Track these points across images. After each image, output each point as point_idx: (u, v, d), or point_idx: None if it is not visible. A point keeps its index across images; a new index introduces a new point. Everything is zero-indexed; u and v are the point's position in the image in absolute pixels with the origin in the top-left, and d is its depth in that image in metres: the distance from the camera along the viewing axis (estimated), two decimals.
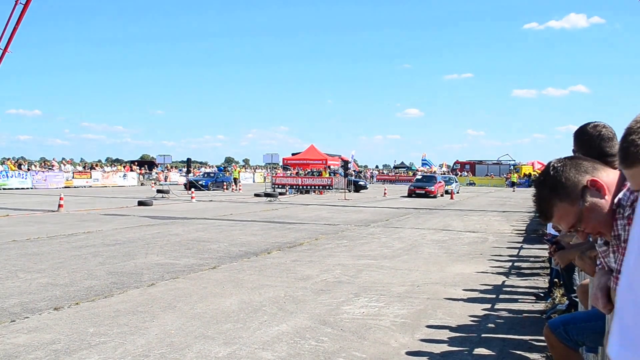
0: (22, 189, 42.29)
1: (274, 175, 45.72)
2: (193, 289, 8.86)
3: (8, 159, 54.20)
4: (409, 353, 5.90)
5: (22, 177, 44.31)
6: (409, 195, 39.85)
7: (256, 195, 36.97)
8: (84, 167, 59.30)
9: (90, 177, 50.68)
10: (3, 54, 40.15)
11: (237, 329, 6.63)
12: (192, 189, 36.52)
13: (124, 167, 65.58)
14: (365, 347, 6.07)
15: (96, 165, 65.61)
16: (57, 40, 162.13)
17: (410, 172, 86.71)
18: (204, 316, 7.20)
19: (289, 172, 52.05)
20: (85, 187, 47.82)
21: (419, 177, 47.67)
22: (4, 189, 41.10)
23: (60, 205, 23.45)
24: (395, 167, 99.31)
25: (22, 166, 49.56)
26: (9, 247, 12.93)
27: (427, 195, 39.18)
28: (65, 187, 44.59)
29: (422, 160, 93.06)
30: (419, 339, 6.42)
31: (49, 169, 51.00)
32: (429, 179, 43.66)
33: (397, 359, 5.74)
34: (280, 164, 50.66)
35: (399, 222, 21.02)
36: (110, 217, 21.08)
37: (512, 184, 57.05)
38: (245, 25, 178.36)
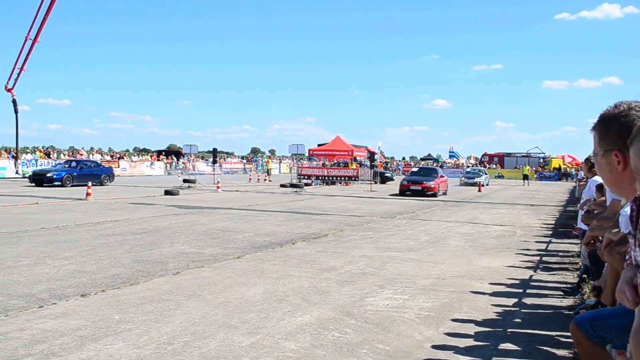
0: None
1: (299, 166, 45.76)
2: (218, 278, 8.92)
3: (38, 148, 54.93)
4: (433, 347, 5.88)
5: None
6: (402, 193, 31.73)
7: (282, 185, 37.06)
8: (112, 157, 59.89)
9: (118, 166, 51.14)
10: (33, 44, 40.69)
11: (261, 318, 6.67)
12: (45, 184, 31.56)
13: (151, 156, 66.16)
14: (388, 339, 6.06)
15: (124, 155, 66.19)
16: (88, 32, 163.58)
17: (437, 164, 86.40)
18: (228, 305, 7.24)
19: (314, 163, 52.09)
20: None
21: (415, 169, 38.82)
22: None
23: (88, 194, 23.75)
24: (422, 159, 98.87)
25: (51, 155, 50.25)
26: (38, 234, 13.11)
27: (424, 192, 30.88)
28: None
29: (450, 152, 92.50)
30: (444, 332, 6.40)
31: (78, 157, 51.51)
32: (428, 172, 35.00)
33: (421, 352, 5.72)
34: (306, 154, 50.64)
35: (425, 214, 20.95)
36: (137, 206, 21.28)
37: (525, 177, 55.59)
38: (273, 23, 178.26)
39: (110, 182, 35.35)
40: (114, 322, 6.37)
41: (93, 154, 55.55)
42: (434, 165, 76.24)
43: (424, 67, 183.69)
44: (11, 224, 14.82)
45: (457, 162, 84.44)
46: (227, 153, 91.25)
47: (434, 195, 30.80)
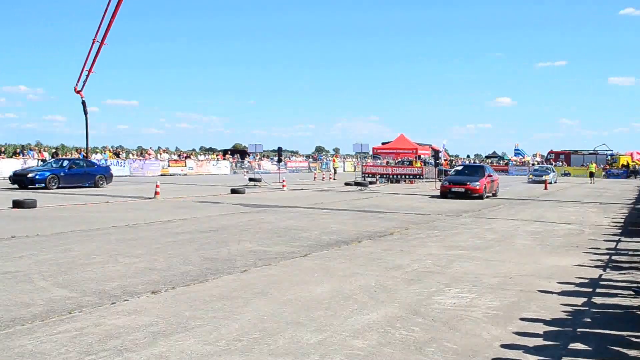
0: (120, 176, 43.91)
1: (364, 164, 45.63)
2: (285, 276, 8.99)
3: (107, 148, 56.36)
4: (502, 346, 5.78)
5: (121, 165, 46.17)
6: (443, 196, 27.85)
7: (346, 184, 37.09)
8: (179, 156, 60.95)
9: (185, 166, 52.12)
10: (100, 46, 41.74)
11: (328, 316, 6.68)
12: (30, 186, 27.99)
13: (217, 155, 67.07)
14: (456, 338, 6.00)
15: (190, 154, 67.32)
16: (154, 33, 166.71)
17: (503, 162, 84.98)
18: (296, 303, 7.29)
19: (378, 161, 51.90)
20: (180, 175, 49.25)
21: (459, 167, 34.02)
22: None
23: (156, 193, 24.23)
24: (487, 157, 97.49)
25: (120, 154, 51.51)
26: (109, 232, 13.47)
27: (468, 194, 27.00)
28: (161, 175, 46.04)
29: (515, 149, 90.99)
30: (512, 331, 6.29)
31: (145, 157, 52.69)
32: (473, 170, 30.45)
33: (489, 351, 5.64)
34: (370, 153, 50.45)
35: (491, 212, 20.65)
36: (205, 204, 21.63)
37: (591, 175, 54.02)
38: (339, 22, 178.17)
39: (107, 183, 31.37)
40: (184, 318, 6.48)
41: (160, 154, 56.67)
42: (500, 163, 74.97)
43: (487, 64, 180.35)
44: (83, 222, 15.26)
45: (523, 160, 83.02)
46: (291, 152, 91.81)
47: (480, 197, 26.94)
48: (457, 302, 7.51)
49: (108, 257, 10.23)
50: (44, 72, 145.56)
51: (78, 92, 43.63)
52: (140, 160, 50.36)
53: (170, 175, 48.05)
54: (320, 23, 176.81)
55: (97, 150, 53.30)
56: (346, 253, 11.24)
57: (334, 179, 46.15)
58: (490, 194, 28.59)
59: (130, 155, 54.07)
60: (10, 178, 29.77)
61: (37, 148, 48.82)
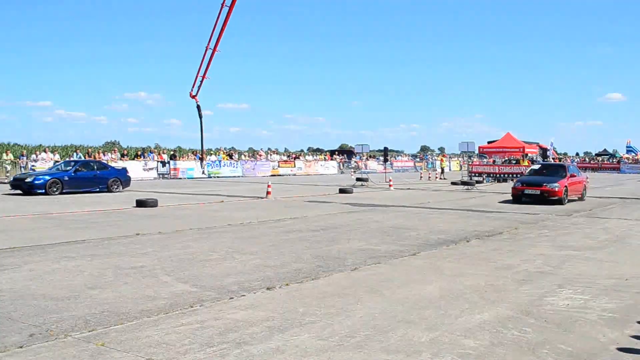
0: (233, 177, 45.16)
1: (470, 163, 44.84)
2: (394, 274, 8.98)
3: (221, 149, 57.98)
4: (619, 349, 5.55)
5: (233, 166, 47.46)
6: (516, 199, 23.46)
7: (453, 183, 36.57)
8: (288, 157, 61.90)
9: (294, 166, 52.85)
10: (213, 53, 43.04)
11: (439, 315, 6.63)
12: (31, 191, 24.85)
13: (325, 156, 67.67)
14: (570, 340, 5.81)
15: (299, 155, 68.22)
16: (264, 37, 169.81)
17: (614, 160, 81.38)
18: (406, 301, 7.27)
19: (485, 160, 50.94)
20: (289, 175, 49.97)
21: (537, 166, 28.16)
22: (217, 177, 44.19)
23: (268, 192, 24.73)
24: (597, 155, 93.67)
25: (233, 156, 52.91)
26: (225, 230, 13.87)
27: (545, 198, 22.45)
28: (272, 175, 46.84)
29: (627, 147, 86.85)
30: (630, 335, 6.02)
31: (257, 158, 53.87)
32: (554, 170, 25.57)
33: (606, 354, 5.43)
34: (476, 152, 49.60)
35: (603, 212, 19.82)
36: (314, 204, 21.90)
37: None
38: (442, 21, 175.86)
39: (122, 187, 27.97)
40: (298, 314, 6.60)
41: (270, 155, 57.72)
42: (611, 160, 71.61)
43: (596, 60, 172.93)
44: (200, 220, 15.80)
45: (636, 157, 79.20)
46: (396, 151, 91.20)
47: (559, 202, 22.40)
48: (570, 304, 7.27)
49: (225, 254, 10.55)
50: (161, 79, 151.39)
51: (193, 96, 45.23)
52: (251, 161, 51.55)
53: (280, 175, 48.82)
54: (425, 23, 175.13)
55: (212, 152, 54.92)
56: (455, 252, 11.11)
57: (442, 179, 45.60)
58: (575, 198, 24.14)
59: (242, 157, 55.41)
60: (10, 183, 27.12)
61: (156, 150, 50.81)
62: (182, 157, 49.02)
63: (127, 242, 11.93)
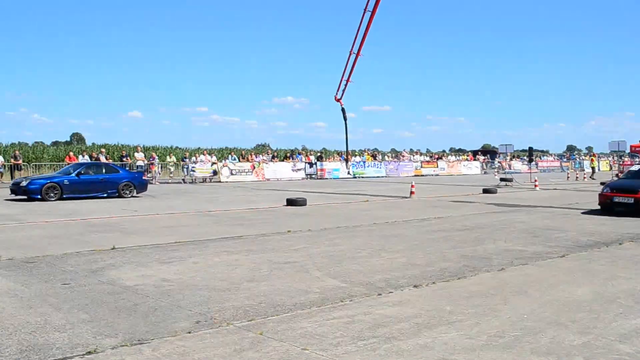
0: (377, 177, 45.47)
1: (621, 163, 42.48)
2: (542, 276, 8.70)
3: (365, 150, 58.47)
4: None
5: (377, 167, 47.80)
6: (605, 209, 18.24)
7: (602, 184, 34.72)
8: (431, 157, 61.38)
9: (437, 166, 52.36)
10: (356, 58, 43.51)
11: (591, 319, 6.36)
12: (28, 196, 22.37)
13: (467, 156, 66.45)
14: None
15: (441, 155, 67.45)
16: (405, 40, 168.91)
17: None
18: (555, 303, 7.03)
19: (637, 159, 47.98)
20: (432, 175, 49.55)
21: (635, 168, 21.66)
22: (362, 177, 44.67)
23: (411, 192, 24.67)
24: None
25: (377, 157, 53.22)
26: (371, 229, 14.01)
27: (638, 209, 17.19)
28: (415, 176, 46.59)
29: None
30: None
31: (400, 159, 53.85)
32: None
33: None
34: (628, 151, 46.86)
35: None
36: (458, 203, 21.60)
37: None
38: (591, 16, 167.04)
39: (135, 192, 25.07)
40: (445, 312, 6.58)
41: (413, 155, 57.47)
42: None
43: None
44: (347, 219, 16.05)
45: None
46: (541, 151, 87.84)
47: None
48: None
49: (372, 252, 10.67)
50: (308, 85, 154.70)
51: (338, 100, 45.95)
52: (394, 161, 51.63)
53: (423, 175, 48.47)
54: (574, 17, 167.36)
55: (356, 153, 55.51)
56: (606, 255, 10.58)
57: (592, 179, 43.40)
58: None
59: (386, 158, 55.53)
60: (10, 187, 24.34)
61: (304, 152, 52.03)
62: (328, 159, 50.01)
63: (280, 239, 12.36)
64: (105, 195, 24.09)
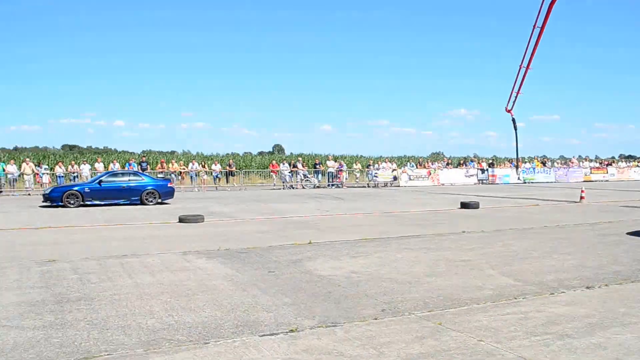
0: (546, 182, 43.25)
1: None
2: None
3: (534, 158, 55.85)
4: None
5: (546, 173, 45.48)
6: None
7: None
8: (600, 163, 57.23)
9: (607, 172, 48.77)
10: (526, 71, 41.62)
11: None
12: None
13: (638, 162, 61.17)
14: None
15: (611, 162, 62.69)
16: (573, 52, 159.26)
17: None
18: None
19: None
20: (601, 181, 46.21)
21: None
22: (531, 182, 42.77)
23: (581, 197, 23.15)
24: None
25: (546, 163, 50.62)
26: (542, 231, 13.34)
27: None
28: (584, 181, 43.77)
29: None
30: None
31: (569, 165, 50.85)
32: None
33: None
34: None
35: None
36: (629, 209, 19.84)
37: None
38: None
39: (160, 199, 23.20)
40: (619, 314, 6.09)
41: (582, 162, 53.96)
42: None
43: None
44: (518, 222, 15.39)
45: None
46: None
47: None
48: None
49: (543, 253, 10.16)
50: (480, 97, 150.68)
51: (508, 111, 44.18)
52: (564, 168, 48.81)
53: (592, 181, 45.32)
54: None
55: (525, 160, 53.21)
56: None
57: None
58: None
59: (555, 164, 52.70)
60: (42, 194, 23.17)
61: (476, 159, 50.79)
62: (499, 165, 48.41)
63: (455, 239, 12.14)
64: (127, 202, 22.55)
